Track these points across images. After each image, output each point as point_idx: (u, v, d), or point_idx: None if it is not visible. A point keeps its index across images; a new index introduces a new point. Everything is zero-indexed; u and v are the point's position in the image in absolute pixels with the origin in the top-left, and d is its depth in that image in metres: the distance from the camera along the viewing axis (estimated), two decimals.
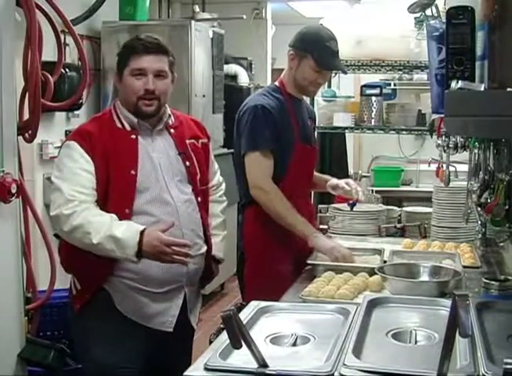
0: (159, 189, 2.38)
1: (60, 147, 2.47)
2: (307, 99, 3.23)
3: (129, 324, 2.38)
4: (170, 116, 2.49)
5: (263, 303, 2.03)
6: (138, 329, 2.39)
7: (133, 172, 2.33)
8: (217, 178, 2.73)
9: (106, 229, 2.22)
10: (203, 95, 5.33)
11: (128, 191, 2.32)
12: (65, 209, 2.24)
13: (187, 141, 2.51)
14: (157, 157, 2.41)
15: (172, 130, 2.49)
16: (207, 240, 2.54)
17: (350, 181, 3.07)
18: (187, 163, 2.48)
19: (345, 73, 3.04)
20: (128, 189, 2.33)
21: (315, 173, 3.10)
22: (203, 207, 2.53)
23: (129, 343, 2.37)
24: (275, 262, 2.76)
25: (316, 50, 2.75)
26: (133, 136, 2.39)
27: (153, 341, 2.43)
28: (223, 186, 2.77)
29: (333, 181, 3.07)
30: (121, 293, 2.36)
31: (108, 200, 2.31)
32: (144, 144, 2.40)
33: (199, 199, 2.50)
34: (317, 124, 4.04)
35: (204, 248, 2.51)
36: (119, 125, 2.40)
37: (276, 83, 2.92)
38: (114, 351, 2.35)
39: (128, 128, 2.40)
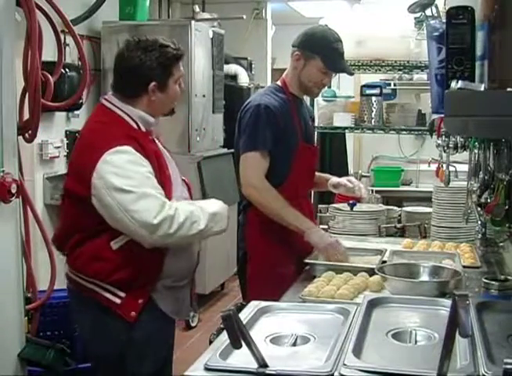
0: (181, 186, 2.44)
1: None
2: (306, 99, 3.22)
3: (168, 322, 2.42)
4: None
5: (263, 303, 2.03)
6: (172, 325, 2.47)
7: (168, 172, 2.35)
8: None
9: (201, 211, 2.29)
10: (203, 95, 5.33)
11: (169, 190, 2.31)
12: (168, 210, 2.19)
13: (160, 139, 2.56)
14: (167, 155, 2.45)
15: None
16: None
17: (352, 178, 3.09)
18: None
19: (351, 74, 3.03)
20: (169, 188, 2.32)
21: (316, 173, 3.10)
22: None
23: (171, 341, 2.47)
24: (278, 261, 2.76)
25: (324, 52, 2.75)
26: (150, 137, 2.38)
27: (175, 333, 2.54)
28: None
29: (335, 179, 3.08)
30: (160, 293, 2.35)
31: None
32: (158, 144, 2.42)
33: None
34: (317, 124, 4.06)
35: None
36: (135, 127, 2.34)
37: (279, 82, 2.91)
38: (164, 351, 2.42)
39: (143, 129, 2.35)
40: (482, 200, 2.63)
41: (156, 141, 2.43)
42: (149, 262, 2.29)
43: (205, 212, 2.29)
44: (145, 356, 2.34)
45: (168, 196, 2.28)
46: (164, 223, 2.18)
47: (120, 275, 2.27)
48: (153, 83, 2.32)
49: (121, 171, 2.19)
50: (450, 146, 2.79)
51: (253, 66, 6.56)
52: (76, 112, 4.72)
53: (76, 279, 2.36)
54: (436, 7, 2.81)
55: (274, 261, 2.77)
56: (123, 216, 2.18)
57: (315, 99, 4.20)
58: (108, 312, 2.29)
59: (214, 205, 2.37)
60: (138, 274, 2.29)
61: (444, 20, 1.97)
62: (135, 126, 2.33)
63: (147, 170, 2.23)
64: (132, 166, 2.20)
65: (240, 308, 1.97)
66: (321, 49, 2.75)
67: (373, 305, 2.00)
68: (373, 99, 4.19)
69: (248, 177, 2.75)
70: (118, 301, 2.29)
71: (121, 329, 2.30)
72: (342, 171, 5.63)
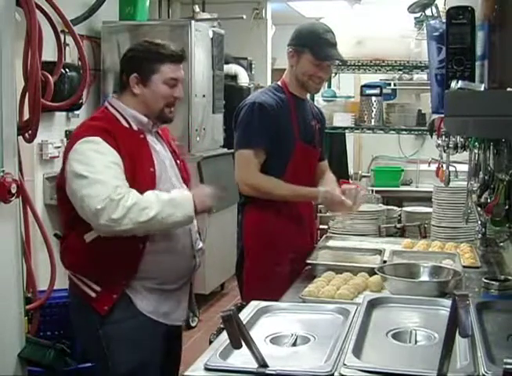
0: (169, 187, 2.41)
1: (68, 143, 2.39)
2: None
3: (150, 324, 2.39)
4: None
5: (263, 303, 2.03)
6: (158, 328, 2.42)
7: (152, 170, 2.36)
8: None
9: (158, 199, 2.24)
10: (203, 95, 5.33)
11: (151, 188, 2.32)
12: (114, 195, 2.18)
13: (171, 141, 2.58)
14: (162, 155, 2.46)
15: (160, 131, 2.54)
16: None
17: (349, 189, 2.85)
18: (178, 161, 2.55)
19: (342, 60, 3.02)
20: (150, 186, 2.32)
21: (325, 175, 3.03)
22: None
23: (152, 343, 2.40)
24: (274, 261, 2.76)
25: (312, 43, 2.77)
26: (141, 136, 2.40)
27: (170, 338, 2.48)
28: None
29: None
30: (140, 294, 2.37)
31: None
32: (151, 143, 2.43)
33: None
34: None
35: (201, 244, 2.57)
36: (126, 125, 2.39)
37: (279, 82, 2.92)
38: (140, 352, 2.37)
39: (134, 127, 2.40)
40: (482, 200, 2.63)
41: (151, 141, 2.43)
42: (123, 257, 2.30)
43: (159, 199, 2.24)
44: (118, 353, 2.35)
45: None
46: (108, 207, 2.16)
47: (93, 268, 2.33)
48: (134, 74, 2.37)
49: (83, 158, 2.24)
50: (450, 146, 2.79)
51: (253, 66, 6.56)
52: (76, 112, 4.71)
53: (67, 273, 2.44)
54: (436, 7, 2.82)
55: (270, 259, 2.76)
56: (79, 201, 2.22)
57: (316, 99, 4.20)
58: (86, 306, 2.36)
59: (175, 193, 2.31)
60: (112, 269, 2.31)
61: (444, 20, 1.97)
62: (125, 124, 2.38)
63: (110, 160, 2.24)
64: (94, 154, 2.25)
65: (240, 308, 1.97)
66: (309, 41, 2.78)
67: (373, 305, 2.01)
68: (373, 99, 4.19)
69: (243, 176, 2.76)
70: (93, 294, 2.34)
71: (96, 323, 2.35)
72: (342, 171, 5.63)
